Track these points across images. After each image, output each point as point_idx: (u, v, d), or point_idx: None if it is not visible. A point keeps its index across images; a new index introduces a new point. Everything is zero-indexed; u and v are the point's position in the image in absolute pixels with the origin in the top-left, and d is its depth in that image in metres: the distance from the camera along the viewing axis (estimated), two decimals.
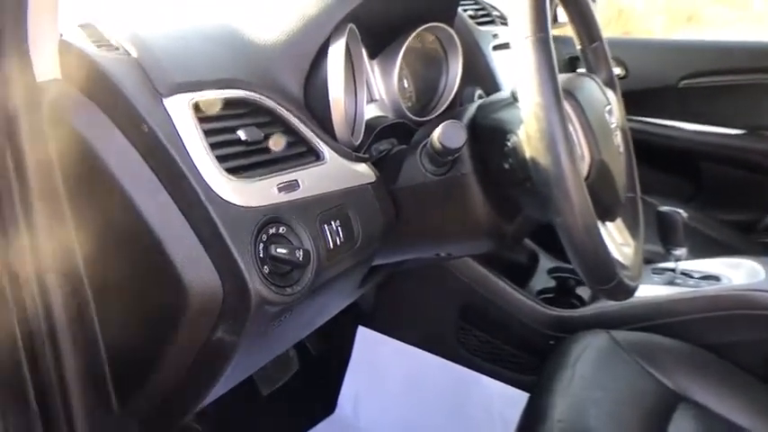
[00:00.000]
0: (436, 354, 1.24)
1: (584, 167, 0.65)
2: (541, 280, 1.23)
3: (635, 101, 1.64)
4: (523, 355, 1.14)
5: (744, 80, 1.60)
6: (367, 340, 1.31)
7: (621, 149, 0.73)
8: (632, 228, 0.77)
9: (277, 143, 0.62)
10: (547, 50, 0.57)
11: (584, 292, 1.19)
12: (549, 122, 0.55)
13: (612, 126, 0.71)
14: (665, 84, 1.66)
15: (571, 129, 0.64)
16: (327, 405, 1.32)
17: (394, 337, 1.28)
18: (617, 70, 1.68)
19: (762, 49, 1.64)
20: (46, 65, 0.53)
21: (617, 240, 0.71)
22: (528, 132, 0.58)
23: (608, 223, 0.71)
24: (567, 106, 0.65)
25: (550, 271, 1.25)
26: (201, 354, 0.58)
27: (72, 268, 0.57)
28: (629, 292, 0.66)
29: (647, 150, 1.65)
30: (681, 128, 1.68)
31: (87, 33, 0.57)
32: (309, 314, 0.73)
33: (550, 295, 1.19)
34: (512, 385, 1.16)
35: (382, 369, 1.31)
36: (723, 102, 1.63)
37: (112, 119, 0.53)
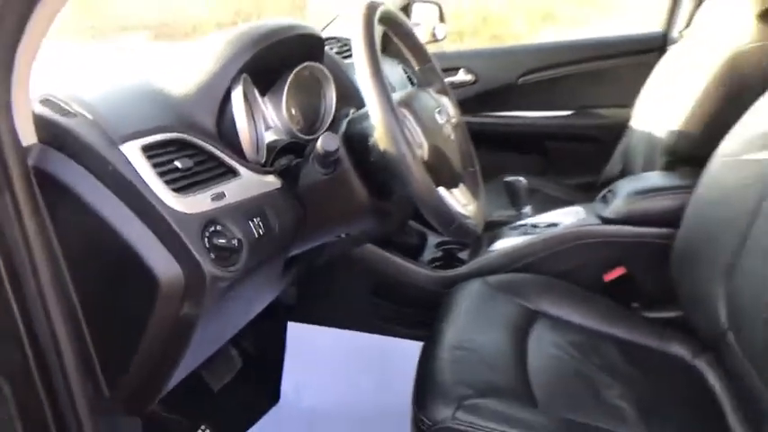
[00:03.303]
0: (358, 330, 1.48)
1: (425, 152, 0.92)
2: (430, 252, 1.51)
3: (486, 100, 1.99)
4: (426, 313, 1.40)
5: (567, 71, 2.00)
6: (297, 333, 1.50)
7: (453, 137, 1.01)
8: (474, 192, 1.06)
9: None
10: (380, 80, 0.84)
11: (464, 255, 1.48)
12: (388, 125, 0.82)
13: (442, 121, 0.99)
14: (507, 82, 2.01)
15: (410, 127, 0.91)
16: (272, 395, 1.51)
17: (319, 325, 1.50)
18: (469, 77, 2.01)
19: (577, 46, 2.05)
20: (26, 133, 0.70)
21: (461, 201, 0.99)
22: (379, 133, 0.84)
23: (453, 190, 0.99)
24: (406, 112, 0.92)
25: (437, 245, 1.53)
26: (172, 329, 0.77)
27: (63, 282, 0.74)
28: (471, 232, 0.94)
29: (502, 138, 2.00)
30: (525, 116, 2.05)
31: (49, 106, 0.76)
32: (247, 296, 0.95)
33: (440, 262, 1.47)
34: (423, 340, 1.42)
35: (314, 355, 1.52)
36: (554, 90, 2.01)
37: (85, 166, 0.72)
